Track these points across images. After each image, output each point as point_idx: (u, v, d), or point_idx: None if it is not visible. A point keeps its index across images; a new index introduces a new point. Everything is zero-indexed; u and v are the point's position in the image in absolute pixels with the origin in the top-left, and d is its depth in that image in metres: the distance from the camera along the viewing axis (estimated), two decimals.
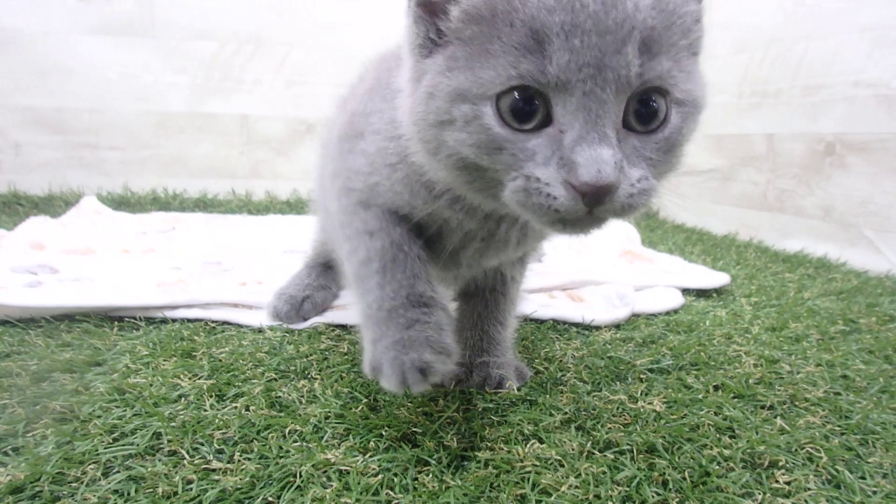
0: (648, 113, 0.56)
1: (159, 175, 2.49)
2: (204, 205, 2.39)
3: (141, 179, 2.46)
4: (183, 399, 0.76)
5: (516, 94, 0.55)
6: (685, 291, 1.37)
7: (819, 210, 1.92)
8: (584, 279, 1.34)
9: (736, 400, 0.84)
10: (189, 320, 1.08)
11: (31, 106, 2.35)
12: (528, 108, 0.55)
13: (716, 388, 0.87)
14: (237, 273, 1.36)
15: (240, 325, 1.07)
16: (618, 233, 1.81)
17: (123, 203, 2.31)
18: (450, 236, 0.78)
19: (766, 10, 2.14)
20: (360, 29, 2.55)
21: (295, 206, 2.42)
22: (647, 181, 0.56)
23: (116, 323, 1.05)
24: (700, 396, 0.83)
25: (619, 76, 0.53)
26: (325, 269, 1.21)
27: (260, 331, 1.04)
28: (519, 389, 0.83)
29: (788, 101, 2.03)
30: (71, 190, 2.37)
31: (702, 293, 1.41)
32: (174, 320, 1.08)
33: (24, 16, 2.31)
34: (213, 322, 1.07)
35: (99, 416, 0.71)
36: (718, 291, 1.42)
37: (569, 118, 0.54)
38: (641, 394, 0.83)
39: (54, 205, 2.22)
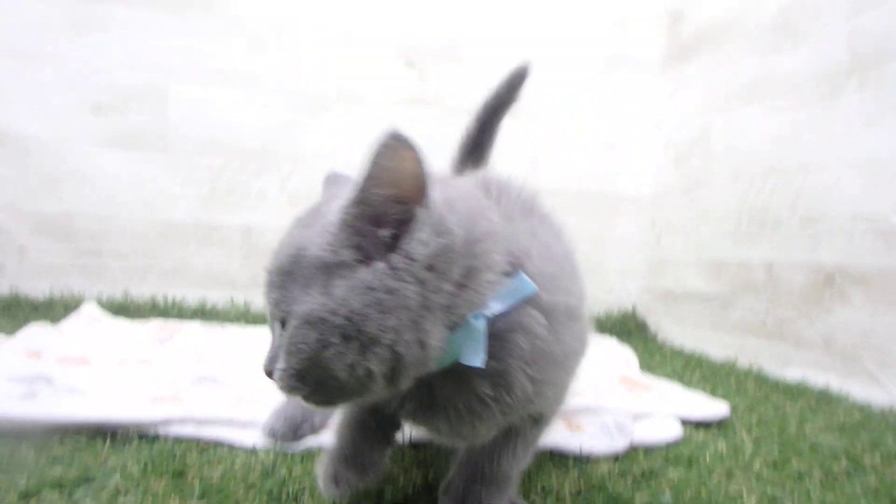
0: None
1: (160, 283, 2.52)
2: (202, 314, 2.39)
3: (141, 287, 2.48)
4: None
5: None
6: (684, 422, 1.36)
7: (820, 340, 1.91)
8: (582, 406, 1.33)
9: None
10: (181, 438, 1.07)
11: (40, 211, 2.41)
12: None
13: None
14: (233, 388, 1.35)
15: (233, 445, 1.05)
16: (617, 358, 1.81)
17: (122, 310, 2.32)
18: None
19: (763, 141, 2.20)
20: (362, 150, 2.65)
21: None
22: (282, 369, 0.70)
23: (109, 438, 1.04)
24: None
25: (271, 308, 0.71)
26: None
27: (253, 451, 1.03)
28: None
29: (787, 230, 2.06)
30: (72, 295, 2.38)
31: (701, 423, 1.39)
32: (167, 437, 1.07)
33: (41, 124, 2.41)
34: (205, 440, 1.06)
35: None
36: (718, 422, 1.41)
37: None
38: None
39: (54, 309, 2.23)
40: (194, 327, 2.03)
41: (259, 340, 1.92)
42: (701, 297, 2.48)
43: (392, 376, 0.68)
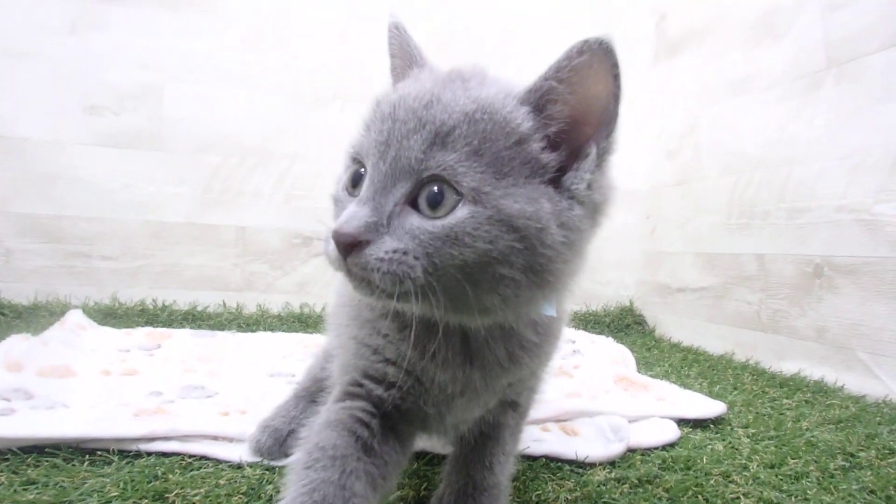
0: (433, 198, 0.61)
1: (150, 286, 2.48)
2: (193, 318, 2.35)
3: (131, 290, 2.44)
4: None
5: (352, 163, 0.69)
6: (682, 421, 1.34)
7: (812, 331, 1.91)
8: (578, 409, 1.30)
9: None
10: (165, 454, 1.03)
11: (29, 213, 2.37)
12: (356, 176, 0.68)
13: None
14: (220, 399, 1.32)
15: (218, 461, 1.02)
16: (613, 357, 1.78)
17: (110, 314, 2.27)
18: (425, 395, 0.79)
19: (750, 136, 2.22)
20: None
21: (286, 321, 2.39)
22: (402, 255, 0.60)
23: (88, 456, 1.00)
24: None
25: (400, 157, 0.62)
26: (313, 402, 1.17)
27: (239, 467, 0.99)
28: None
29: (776, 222, 2.07)
30: (58, 299, 2.33)
31: (699, 423, 1.37)
32: (149, 454, 1.03)
33: (32, 125, 2.36)
34: (189, 457, 1.03)
35: None
36: (715, 421, 1.39)
37: (363, 184, 0.65)
38: None
39: (39, 315, 2.18)
40: (183, 335, 1.99)
41: (251, 347, 1.88)
42: (696, 289, 2.47)
43: (511, 308, 0.66)
